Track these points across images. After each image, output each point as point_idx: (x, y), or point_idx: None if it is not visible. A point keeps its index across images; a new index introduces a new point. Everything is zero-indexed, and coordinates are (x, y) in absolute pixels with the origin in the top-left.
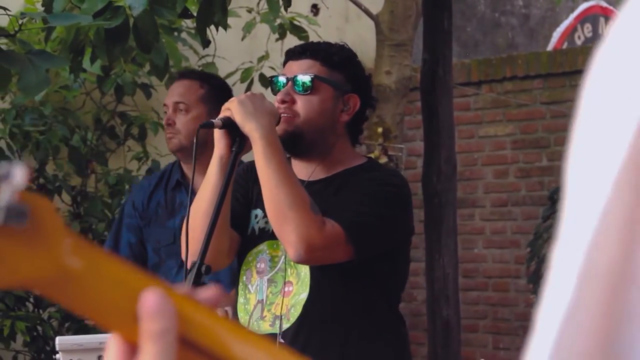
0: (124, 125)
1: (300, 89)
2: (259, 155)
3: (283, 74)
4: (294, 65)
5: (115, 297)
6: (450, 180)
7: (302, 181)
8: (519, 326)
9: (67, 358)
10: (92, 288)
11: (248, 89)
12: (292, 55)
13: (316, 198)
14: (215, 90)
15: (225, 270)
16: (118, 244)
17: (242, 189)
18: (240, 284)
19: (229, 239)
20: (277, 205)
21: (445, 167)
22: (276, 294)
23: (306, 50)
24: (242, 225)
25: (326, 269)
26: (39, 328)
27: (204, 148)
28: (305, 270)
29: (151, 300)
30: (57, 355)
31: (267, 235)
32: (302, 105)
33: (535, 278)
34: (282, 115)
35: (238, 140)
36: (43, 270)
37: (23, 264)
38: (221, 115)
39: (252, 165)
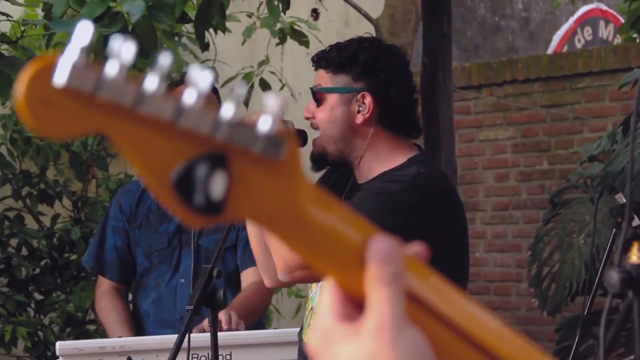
0: None
1: (315, 101)
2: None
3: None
4: (314, 78)
5: (342, 241)
6: None
7: (354, 184)
8: (521, 330)
9: None
10: (321, 229)
11: (249, 93)
12: (314, 67)
13: (353, 200)
14: (217, 94)
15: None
16: (103, 246)
17: None
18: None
19: None
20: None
21: (446, 171)
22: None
23: (315, 61)
24: None
25: None
26: (40, 333)
27: None
28: None
29: (383, 245)
30: None
31: None
32: (317, 117)
33: (537, 282)
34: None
35: None
36: (286, 207)
37: (270, 197)
38: None
39: (328, 173)
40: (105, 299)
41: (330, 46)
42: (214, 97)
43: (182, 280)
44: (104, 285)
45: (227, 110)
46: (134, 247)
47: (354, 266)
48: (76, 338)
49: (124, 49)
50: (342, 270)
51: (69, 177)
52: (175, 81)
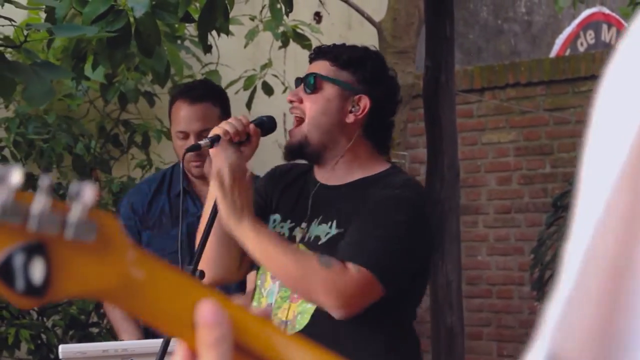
0: (128, 133)
1: (307, 88)
2: (254, 255)
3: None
4: (310, 67)
5: (175, 306)
6: (453, 187)
7: (320, 184)
8: (523, 333)
9: None
10: (154, 297)
11: (251, 96)
12: (310, 59)
13: (329, 202)
14: (224, 102)
15: None
16: None
17: (260, 195)
18: (256, 287)
19: (239, 254)
20: (293, 282)
21: (448, 174)
22: (285, 298)
23: (319, 52)
24: None
25: None
26: (43, 336)
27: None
28: None
29: (207, 310)
30: None
31: None
32: (307, 104)
33: (539, 285)
34: (294, 114)
35: None
36: (109, 281)
37: (91, 275)
38: (212, 134)
39: (276, 170)
40: None
41: (337, 44)
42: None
43: None
44: None
45: (38, 202)
46: (145, 248)
47: (190, 330)
48: (79, 341)
49: None
50: (181, 333)
51: (72, 180)
52: (184, 98)
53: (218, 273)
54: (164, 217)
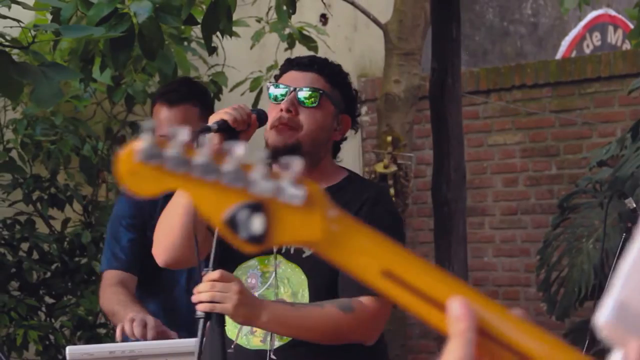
0: (135, 135)
1: (307, 102)
2: (278, 332)
3: (284, 83)
4: (299, 76)
5: (365, 257)
6: (459, 188)
7: None
8: None
9: None
10: (350, 249)
11: (257, 98)
12: (296, 65)
13: None
14: (204, 100)
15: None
16: (119, 244)
17: None
18: None
19: (203, 239)
20: (325, 337)
21: (455, 176)
22: None
23: (314, 64)
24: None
25: (325, 291)
26: (51, 337)
27: None
28: (303, 292)
29: (457, 305)
30: None
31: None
32: (306, 118)
33: (546, 286)
34: (282, 125)
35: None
36: (315, 234)
37: (300, 229)
38: (217, 118)
39: None
40: (114, 287)
41: (324, 59)
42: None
43: (197, 283)
44: (111, 279)
45: (258, 171)
46: (150, 247)
47: (375, 277)
48: (87, 341)
49: (179, 133)
50: (368, 279)
51: (79, 181)
52: (163, 100)
53: (175, 257)
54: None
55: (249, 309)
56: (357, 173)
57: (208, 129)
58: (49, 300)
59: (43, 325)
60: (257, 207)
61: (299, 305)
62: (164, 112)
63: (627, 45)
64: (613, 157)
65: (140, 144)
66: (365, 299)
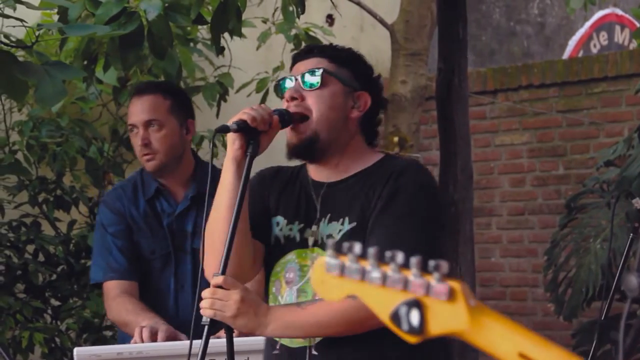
0: None
1: (309, 84)
2: (291, 336)
3: (291, 76)
4: (301, 65)
5: (504, 344)
6: (466, 189)
7: (321, 183)
8: None
9: None
10: (490, 335)
11: (263, 99)
12: (298, 56)
13: (337, 199)
14: (179, 97)
15: None
16: (111, 255)
17: (257, 197)
18: (270, 295)
19: (252, 250)
20: (342, 329)
21: (462, 176)
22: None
23: (313, 50)
24: (264, 235)
25: None
26: (57, 339)
27: (180, 160)
28: None
29: None
30: None
31: (294, 244)
32: (312, 101)
33: (553, 286)
34: (294, 112)
35: (253, 143)
36: (461, 324)
37: (449, 320)
38: (235, 119)
39: (263, 173)
40: (119, 298)
41: (330, 44)
42: None
43: (181, 286)
44: (113, 290)
45: (414, 274)
46: (140, 251)
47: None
48: (93, 344)
49: (354, 248)
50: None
51: (85, 183)
52: (132, 92)
53: (233, 271)
54: (148, 220)
55: (250, 320)
56: (393, 155)
57: (227, 129)
58: (54, 302)
59: (49, 327)
60: (414, 303)
61: (305, 304)
62: (133, 104)
63: (634, 45)
64: (620, 157)
65: (326, 258)
66: None
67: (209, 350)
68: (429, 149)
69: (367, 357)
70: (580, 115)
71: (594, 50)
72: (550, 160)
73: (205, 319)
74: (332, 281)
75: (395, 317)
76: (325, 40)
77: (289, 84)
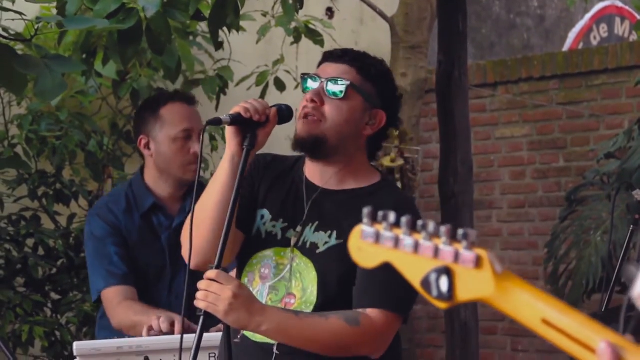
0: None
1: (332, 92)
2: (280, 341)
3: (316, 74)
4: (330, 68)
5: (528, 308)
6: (466, 182)
7: (315, 187)
8: None
9: None
10: (515, 302)
11: (263, 92)
12: (329, 57)
13: (327, 210)
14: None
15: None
16: (112, 263)
17: (248, 185)
18: None
19: (234, 238)
20: (331, 349)
21: (462, 169)
22: (276, 302)
23: (345, 55)
24: (247, 225)
25: (334, 292)
26: (57, 333)
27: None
28: (312, 289)
29: (604, 347)
30: None
31: (275, 241)
32: (330, 109)
33: (554, 279)
34: (308, 115)
35: (249, 136)
36: (488, 290)
37: (477, 287)
38: (232, 111)
39: (259, 159)
40: (124, 302)
41: (363, 52)
42: None
43: (176, 296)
44: (116, 297)
45: (444, 243)
46: (134, 263)
47: (538, 326)
48: (93, 338)
49: (389, 217)
50: (532, 326)
51: (84, 177)
52: (185, 100)
53: (204, 260)
54: (143, 234)
55: (244, 315)
56: (390, 179)
57: (219, 121)
58: (54, 296)
59: (49, 321)
60: (443, 270)
61: (303, 315)
62: (185, 108)
63: (634, 37)
64: (620, 149)
65: (362, 226)
66: (374, 313)
67: (209, 344)
68: (429, 142)
69: None
70: (580, 108)
71: (594, 43)
72: (551, 153)
73: (200, 311)
74: (368, 248)
75: (426, 283)
76: (325, 33)
77: (312, 84)
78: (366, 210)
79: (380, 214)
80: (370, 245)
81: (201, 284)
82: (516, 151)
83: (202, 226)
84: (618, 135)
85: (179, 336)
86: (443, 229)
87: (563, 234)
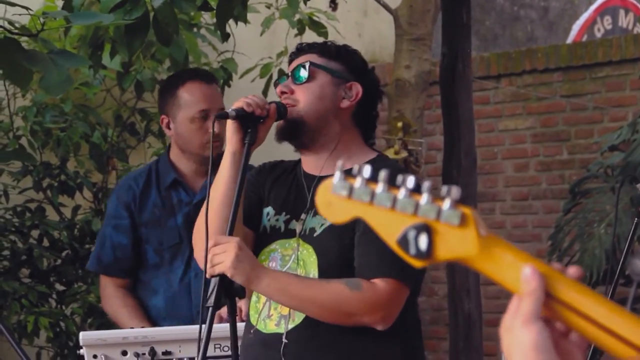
0: (144, 122)
1: (298, 79)
2: (280, 300)
3: (285, 75)
4: (294, 63)
5: (511, 270)
6: (470, 174)
7: (313, 176)
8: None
9: (91, 353)
10: (499, 264)
11: (267, 84)
12: (292, 55)
13: None
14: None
15: None
16: (103, 247)
17: (253, 187)
18: None
19: (242, 236)
20: (329, 312)
21: (465, 161)
22: None
23: (303, 47)
24: (254, 224)
25: (336, 272)
26: (62, 324)
27: None
28: (314, 273)
29: (527, 271)
30: (81, 351)
31: (279, 234)
32: (301, 92)
33: None
34: (285, 104)
35: (250, 132)
36: (470, 250)
37: (458, 246)
38: (235, 106)
39: (264, 166)
40: (114, 297)
41: (325, 41)
42: None
43: (195, 274)
44: (109, 287)
45: (424, 199)
46: (144, 245)
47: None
48: (98, 328)
49: (364, 171)
50: (513, 286)
51: (89, 169)
52: (204, 79)
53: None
54: (157, 211)
55: (249, 267)
56: (386, 156)
57: (226, 115)
58: (59, 287)
59: (54, 312)
60: (423, 227)
61: (304, 277)
62: (203, 88)
63: (638, 29)
64: (624, 142)
65: (334, 179)
66: (378, 281)
67: (217, 334)
68: (433, 134)
69: (340, 347)
70: (584, 100)
71: (598, 35)
72: (554, 145)
73: (210, 302)
74: (339, 203)
75: (403, 240)
76: (328, 25)
77: (283, 79)
78: (339, 163)
79: (356, 167)
80: (341, 199)
81: (209, 255)
82: (520, 143)
83: (212, 225)
84: (622, 127)
85: (183, 327)
86: (425, 185)
87: (567, 227)
